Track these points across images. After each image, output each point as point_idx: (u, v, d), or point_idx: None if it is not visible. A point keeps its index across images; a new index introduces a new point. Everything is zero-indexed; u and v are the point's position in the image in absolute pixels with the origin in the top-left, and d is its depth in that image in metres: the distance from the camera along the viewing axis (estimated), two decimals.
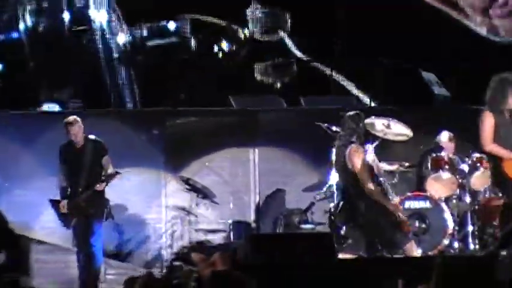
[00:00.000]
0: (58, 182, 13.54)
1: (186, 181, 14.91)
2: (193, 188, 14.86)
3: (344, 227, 12.92)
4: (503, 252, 12.86)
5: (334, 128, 14.07)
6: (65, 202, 13.18)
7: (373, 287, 9.29)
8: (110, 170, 13.23)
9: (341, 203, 13.51)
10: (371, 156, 12.46)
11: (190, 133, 15.42)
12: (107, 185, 13.22)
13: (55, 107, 16.17)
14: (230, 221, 14.91)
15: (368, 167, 12.30)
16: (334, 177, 14.00)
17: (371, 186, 12.20)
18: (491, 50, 18.14)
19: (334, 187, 14.07)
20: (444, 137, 14.17)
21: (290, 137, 15.34)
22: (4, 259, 12.55)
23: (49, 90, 16.66)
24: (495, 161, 11.96)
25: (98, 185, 13.16)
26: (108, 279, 13.46)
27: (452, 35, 18.08)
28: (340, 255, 12.42)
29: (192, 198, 14.88)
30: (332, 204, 13.86)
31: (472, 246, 13.54)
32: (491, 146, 11.81)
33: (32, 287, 12.42)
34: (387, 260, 12.05)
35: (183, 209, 14.91)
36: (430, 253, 13.10)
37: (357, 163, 12.14)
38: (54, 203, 13.35)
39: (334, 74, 17.91)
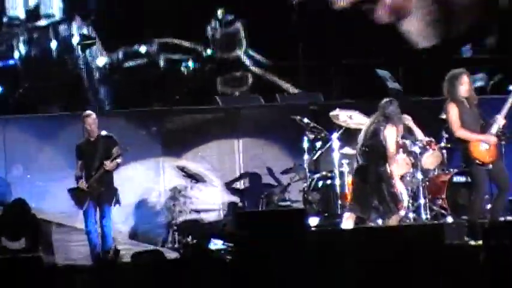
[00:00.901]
0: (75, 173, 13.42)
1: (181, 169, 14.81)
2: (187, 174, 14.76)
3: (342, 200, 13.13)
4: (450, 220, 13.01)
5: (305, 120, 14.22)
6: (82, 180, 13.12)
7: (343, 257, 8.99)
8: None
9: (315, 182, 13.87)
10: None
11: (183, 128, 15.31)
12: (115, 163, 13.12)
13: None
14: (220, 202, 14.90)
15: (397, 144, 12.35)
16: (307, 162, 14.06)
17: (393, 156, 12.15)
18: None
19: (307, 170, 14.10)
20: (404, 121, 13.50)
21: (268, 129, 15.31)
22: (24, 244, 12.58)
23: (41, 105, 16.57)
24: (463, 144, 11.82)
25: (106, 163, 13.06)
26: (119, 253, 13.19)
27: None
28: (343, 225, 12.42)
29: (186, 184, 14.75)
30: (305, 184, 14.03)
31: (424, 216, 13.41)
32: (460, 132, 11.73)
33: (54, 263, 12.37)
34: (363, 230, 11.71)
35: (179, 192, 14.74)
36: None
37: (391, 136, 12.03)
38: (71, 191, 13.26)
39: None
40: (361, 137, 12.38)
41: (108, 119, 14.79)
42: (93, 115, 13.38)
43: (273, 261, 9.58)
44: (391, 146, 12.16)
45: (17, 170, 14.18)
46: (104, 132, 13.44)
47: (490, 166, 11.76)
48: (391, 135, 12.15)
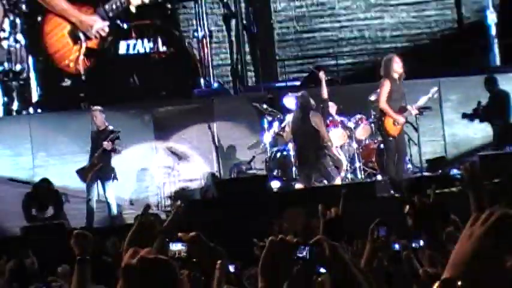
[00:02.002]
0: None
1: (169, 149, 14.85)
2: (174, 153, 14.82)
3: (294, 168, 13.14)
4: (379, 178, 13.35)
5: (264, 106, 14.30)
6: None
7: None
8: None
9: (274, 153, 13.83)
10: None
11: (170, 116, 15.22)
12: (110, 144, 12.92)
13: None
14: (201, 173, 14.84)
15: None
16: (267, 138, 14.05)
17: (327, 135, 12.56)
18: None
19: (268, 144, 14.05)
20: (332, 107, 13.83)
21: (236, 114, 15.23)
22: (52, 212, 12.94)
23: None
24: (380, 116, 12.20)
25: (105, 143, 12.90)
26: (124, 217, 13.44)
27: None
28: (296, 186, 12.85)
29: (174, 160, 14.80)
30: (267, 156, 13.99)
31: (359, 176, 13.57)
32: (384, 105, 11.99)
33: (73, 227, 12.01)
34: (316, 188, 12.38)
35: (169, 167, 14.83)
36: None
37: (318, 120, 12.43)
38: (79, 171, 13.23)
39: None
40: (292, 124, 12.68)
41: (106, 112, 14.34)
42: (100, 109, 13.27)
43: (245, 216, 9.92)
44: (321, 128, 12.50)
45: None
46: (110, 127, 13.23)
47: (391, 138, 12.10)
48: (319, 119, 12.46)
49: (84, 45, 16.41)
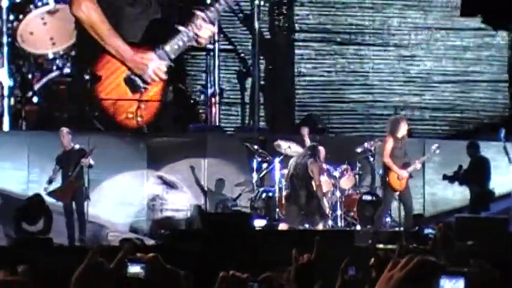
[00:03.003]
0: (49, 176, 13.21)
1: (161, 177, 14.88)
2: (164, 182, 14.85)
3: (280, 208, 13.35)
4: (359, 228, 13.63)
5: (255, 147, 14.49)
6: (48, 186, 12.98)
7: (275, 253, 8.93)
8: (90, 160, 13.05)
9: (260, 193, 14.01)
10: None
11: (163, 147, 15.23)
12: (88, 160, 12.93)
13: None
14: (188, 204, 14.86)
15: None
16: (254, 178, 14.16)
17: (321, 185, 12.87)
18: None
19: (255, 184, 14.24)
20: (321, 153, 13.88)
21: (227, 152, 15.29)
22: (42, 226, 12.79)
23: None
24: (384, 171, 12.58)
25: (82, 160, 12.94)
26: (110, 239, 13.38)
27: None
28: (279, 227, 13.06)
29: (163, 189, 14.83)
30: (253, 195, 14.18)
31: (339, 224, 13.71)
32: (386, 159, 12.41)
33: (60, 244, 12.35)
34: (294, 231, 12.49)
35: (157, 195, 14.83)
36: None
37: (316, 170, 12.81)
38: (50, 193, 13.17)
39: None
40: (291, 166, 13.12)
41: (103, 137, 14.55)
42: (67, 130, 13.22)
43: (226, 249, 10.09)
44: (317, 177, 12.88)
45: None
46: (77, 146, 13.18)
47: (397, 193, 12.52)
48: (316, 169, 12.90)
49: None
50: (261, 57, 17.37)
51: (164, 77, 14.64)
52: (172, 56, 14.72)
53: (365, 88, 17.94)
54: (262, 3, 16.78)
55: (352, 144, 14.48)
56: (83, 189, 13.19)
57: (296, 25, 18.10)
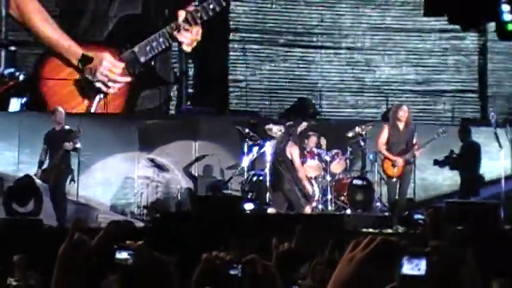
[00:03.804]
0: (39, 157, 13.02)
1: (152, 160, 14.85)
2: (155, 164, 14.82)
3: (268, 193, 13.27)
4: (349, 212, 13.61)
5: (246, 130, 14.42)
6: (37, 171, 12.81)
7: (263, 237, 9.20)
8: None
9: (250, 177, 13.91)
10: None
11: (155, 130, 15.18)
12: (73, 143, 12.76)
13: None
14: (179, 187, 14.79)
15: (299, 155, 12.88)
16: (245, 161, 14.15)
17: (300, 167, 12.81)
18: None
19: (245, 168, 14.11)
20: (312, 141, 13.98)
21: (218, 135, 15.23)
22: (33, 207, 12.64)
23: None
24: (382, 158, 12.76)
25: (66, 144, 12.76)
26: (99, 221, 13.25)
27: None
28: (268, 210, 12.93)
29: (154, 171, 14.80)
30: (243, 178, 14.07)
31: (329, 208, 13.69)
32: (381, 147, 12.66)
33: (50, 225, 12.35)
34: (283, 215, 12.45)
35: (148, 177, 14.82)
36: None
37: (294, 152, 12.74)
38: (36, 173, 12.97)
39: None
40: (272, 151, 13.05)
41: (95, 119, 14.65)
42: (61, 109, 13.11)
43: (215, 232, 10.08)
44: (296, 160, 12.79)
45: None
46: (67, 127, 13.00)
47: (394, 179, 12.62)
48: (295, 151, 12.79)
49: (97, 100, 14.83)
50: (190, 61, 16.23)
51: (118, 78, 14.48)
52: (142, 59, 14.56)
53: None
54: None
55: (343, 129, 14.40)
56: (67, 172, 13.00)
57: (231, 23, 16.46)
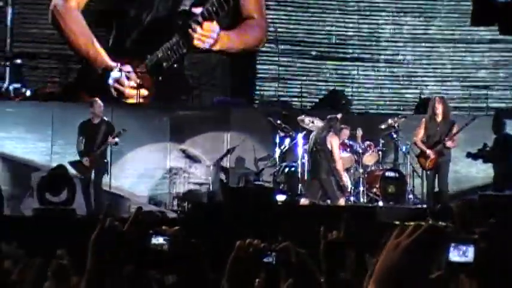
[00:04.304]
0: (77, 147, 13.08)
1: (184, 151, 14.87)
2: (187, 155, 14.84)
3: (300, 184, 13.21)
4: (381, 204, 13.54)
5: (278, 121, 14.35)
6: (86, 159, 12.93)
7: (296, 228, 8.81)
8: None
9: (282, 168, 13.97)
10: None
11: (187, 121, 15.19)
12: (115, 140, 12.89)
13: None
14: (211, 178, 14.81)
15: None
16: (277, 153, 14.14)
17: (339, 158, 12.83)
18: None
19: (277, 159, 14.18)
20: (344, 134, 13.87)
21: (250, 126, 15.18)
22: (65, 197, 12.80)
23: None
24: (419, 153, 12.81)
25: (110, 139, 12.90)
26: (132, 211, 13.27)
27: None
28: (301, 201, 12.96)
29: (186, 162, 14.82)
30: (275, 170, 14.14)
31: (362, 200, 13.66)
32: (417, 140, 12.73)
33: (82, 215, 12.42)
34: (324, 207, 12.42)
35: (180, 168, 14.82)
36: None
37: (335, 143, 12.74)
38: (73, 164, 13.12)
39: None
40: (312, 140, 13.08)
41: (127, 109, 14.72)
42: (99, 101, 13.18)
43: (247, 222, 10.07)
44: (336, 151, 12.79)
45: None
46: (105, 118, 13.12)
47: (429, 172, 12.68)
48: (335, 142, 12.81)
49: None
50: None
51: (126, 91, 14.90)
52: (165, 64, 14.78)
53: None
54: None
55: (376, 122, 14.31)
56: (106, 165, 13.15)
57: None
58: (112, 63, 15.12)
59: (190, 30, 14.86)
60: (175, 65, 15.63)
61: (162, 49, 15.25)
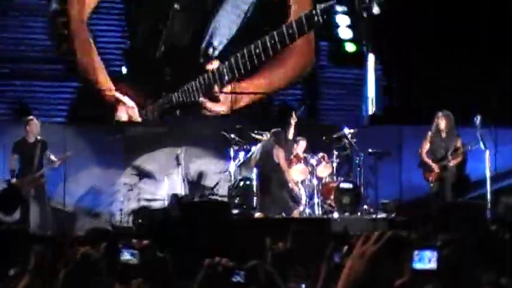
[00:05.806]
0: (10, 166, 12.77)
1: (137, 167, 14.82)
2: (141, 172, 14.78)
3: (255, 197, 13.26)
4: (336, 216, 13.53)
5: (232, 135, 14.32)
6: (14, 179, 12.61)
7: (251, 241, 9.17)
8: (54, 157, 12.79)
9: (237, 182, 13.89)
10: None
11: (141, 137, 15.13)
12: (62, 163, 12.84)
13: None
14: (165, 193, 14.63)
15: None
16: (232, 166, 14.11)
17: (287, 169, 12.82)
18: None
19: (232, 172, 14.08)
20: (301, 146, 13.98)
21: (204, 140, 15.15)
22: (18, 216, 12.57)
23: None
24: (424, 167, 12.90)
25: (58, 162, 12.74)
26: (85, 229, 13.13)
27: None
28: (256, 215, 12.88)
29: (140, 178, 14.72)
30: (230, 184, 14.04)
31: (317, 212, 13.66)
32: (423, 155, 12.86)
33: (35, 234, 11.92)
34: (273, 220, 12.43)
35: (134, 184, 14.69)
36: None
37: (281, 155, 12.73)
38: (11, 184, 12.79)
39: None
40: (256, 155, 13.06)
41: (79, 127, 14.58)
42: (36, 121, 12.85)
43: (202, 235, 9.98)
44: (283, 162, 12.79)
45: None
46: (39, 137, 12.78)
47: (432, 184, 12.82)
48: (281, 154, 12.80)
49: None
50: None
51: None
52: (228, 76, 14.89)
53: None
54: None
55: (329, 132, 14.31)
56: (44, 185, 12.89)
57: None
58: None
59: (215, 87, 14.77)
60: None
61: (178, 93, 15.04)
